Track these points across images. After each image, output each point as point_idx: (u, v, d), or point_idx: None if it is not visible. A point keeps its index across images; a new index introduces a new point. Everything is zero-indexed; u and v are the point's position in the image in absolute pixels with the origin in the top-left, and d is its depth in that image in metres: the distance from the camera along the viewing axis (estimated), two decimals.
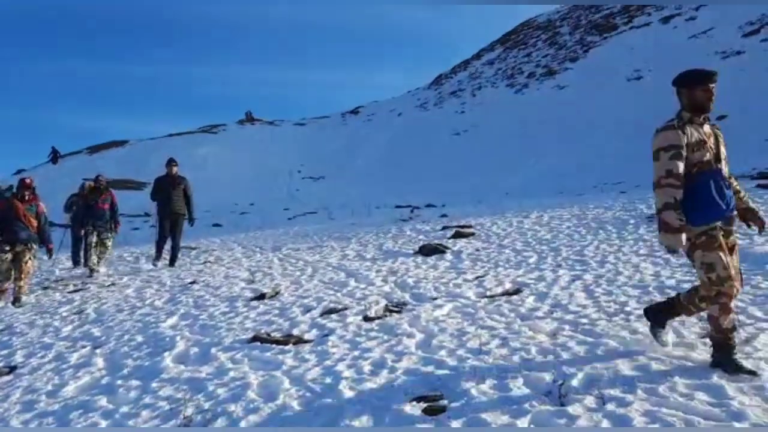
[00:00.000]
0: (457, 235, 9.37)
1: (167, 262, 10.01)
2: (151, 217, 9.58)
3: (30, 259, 7.97)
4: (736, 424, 2.89)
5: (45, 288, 8.69)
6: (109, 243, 10.08)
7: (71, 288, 8.58)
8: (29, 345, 5.63)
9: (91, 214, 9.83)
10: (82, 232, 9.89)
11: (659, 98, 30.96)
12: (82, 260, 10.34)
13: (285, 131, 47.24)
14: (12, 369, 4.95)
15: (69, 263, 10.89)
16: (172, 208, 9.79)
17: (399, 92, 57.60)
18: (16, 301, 7.72)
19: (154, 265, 9.97)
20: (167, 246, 9.98)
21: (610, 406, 3.20)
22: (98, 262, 9.76)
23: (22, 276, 7.87)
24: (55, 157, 39.19)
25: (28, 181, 8.20)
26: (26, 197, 8.05)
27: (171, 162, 10.05)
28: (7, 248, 7.78)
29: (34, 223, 8.01)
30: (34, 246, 8.05)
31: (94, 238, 9.74)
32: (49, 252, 8.49)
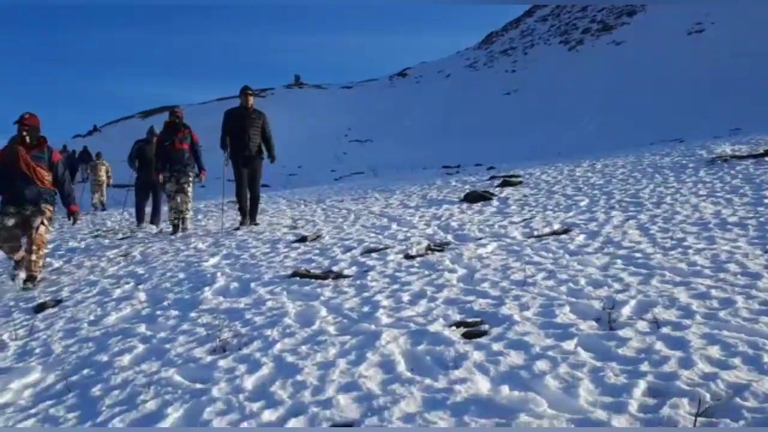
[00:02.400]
0: (505, 184, 9.08)
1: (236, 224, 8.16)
2: (224, 163, 8.04)
3: (42, 224, 5.87)
4: None
5: (95, 236, 8.86)
6: (190, 190, 8.30)
7: (120, 236, 8.73)
8: (76, 282, 5.73)
9: (166, 157, 8.18)
10: (160, 178, 8.22)
11: (721, 52, 29.32)
12: (149, 216, 9.58)
13: (332, 95, 47.11)
14: (58, 302, 5.03)
15: (121, 217, 11.06)
16: (250, 149, 7.80)
17: (447, 53, 56.40)
18: (28, 280, 5.74)
19: (243, 221, 7.97)
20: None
21: (665, 330, 2.98)
22: (181, 218, 8.22)
23: (33, 248, 5.78)
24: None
25: (27, 116, 5.83)
26: (28, 141, 5.83)
27: (246, 91, 7.86)
28: (12, 210, 5.77)
29: (47, 176, 5.89)
30: (48, 207, 5.94)
31: (174, 186, 8.17)
32: (72, 215, 6.21)
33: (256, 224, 8.02)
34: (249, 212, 8.01)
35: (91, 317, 4.45)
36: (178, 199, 8.20)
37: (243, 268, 5.45)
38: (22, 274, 5.74)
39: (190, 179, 8.33)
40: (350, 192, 11.62)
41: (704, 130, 18.48)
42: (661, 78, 29.15)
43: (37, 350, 3.83)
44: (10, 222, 5.74)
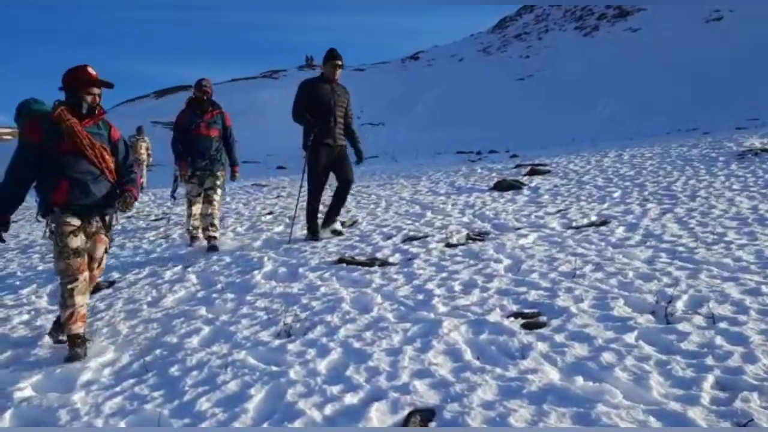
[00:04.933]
0: (533, 173, 9.16)
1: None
2: (305, 155, 5.97)
3: (106, 252, 3.92)
4: None
5: (128, 216, 9.01)
6: (218, 197, 6.23)
7: (153, 217, 8.87)
8: (123, 264, 5.88)
9: (189, 146, 6.15)
10: (182, 173, 6.29)
11: (739, 40, 29.04)
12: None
13: (344, 77, 46.61)
14: (111, 283, 5.19)
15: (157, 196, 11.22)
16: (335, 137, 5.85)
17: (460, 36, 56.01)
18: (74, 346, 3.49)
19: (315, 238, 5.97)
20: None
21: (723, 325, 3.09)
22: (206, 226, 6.10)
23: (94, 267, 3.83)
24: None
25: (91, 71, 3.59)
26: (87, 111, 3.59)
27: (334, 57, 5.82)
28: (75, 222, 3.59)
29: (110, 163, 3.73)
30: (115, 216, 3.94)
31: (196, 189, 6.25)
32: (126, 199, 3.77)
33: (338, 232, 6.16)
34: (330, 211, 6.20)
35: (149, 298, 4.61)
36: (202, 208, 6.19)
37: (287, 253, 5.57)
38: (61, 336, 3.70)
39: (219, 181, 6.22)
40: (374, 177, 11.72)
41: (722, 119, 18.42)
42: (678, 65, 28.97)
43: (104, 330, 3.98)
44: (75, 243, 3.56)
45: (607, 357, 2.85)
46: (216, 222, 6.12)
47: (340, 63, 5.89)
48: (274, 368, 3.08)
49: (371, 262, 5.04)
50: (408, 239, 5.76)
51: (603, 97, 28.43)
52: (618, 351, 2.90)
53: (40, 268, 6.02)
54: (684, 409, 2.34)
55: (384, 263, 4.98)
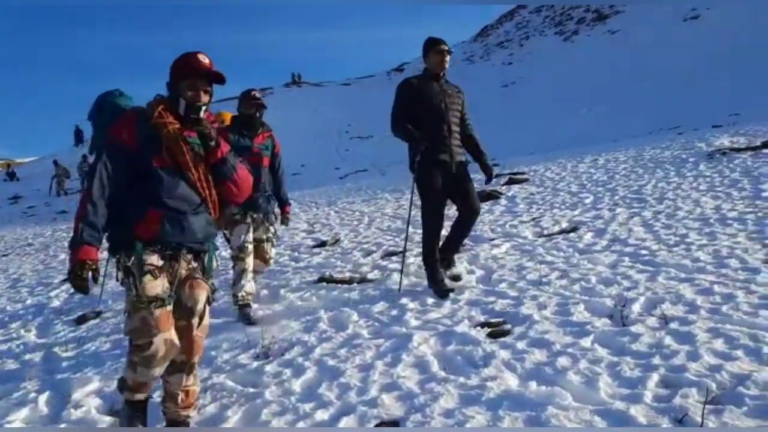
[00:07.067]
0: (511, 182, 9.38)
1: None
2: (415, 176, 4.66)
3: (209, 292, 2.86)
4: None
5: None
6: (273, 251, 5.00)
7: None
8: (109, 294, 6.01)
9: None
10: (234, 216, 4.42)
11: (717, 37, 29.46)
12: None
13: (331, 92, 47.28)
14: (98, 314, 5.33)
15: None
16: (452, 151, 4.49)
17: None
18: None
19: (445, 292, 4.34)
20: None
21: (673, 325, 3.27)
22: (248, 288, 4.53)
23: (194, 324, 2.80)
24: (79, 137, 33.43)
25: (203, 59, 2.68)
26: (203, 122, 2.70)
27: (437, 42, 4.48)
28: (157, 262, 2.66)
29: (214, 191, 2.80)
30: (215, 257, 2.96)
31: (238, 238, 4.48)
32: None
33: (458, 277, 4.69)
34: (448, 248, 4.75)
35: None
36: (253, 264, 4.60)
37: (270, 275, 5.73)
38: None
39: (273, 229, 4.82)
40: (360, 193, 11.91)
41: (704, 116, 18.67)
42: (658, 65, 29.35)
43: (91, 361, 4.12)
44: (156, 288, 2.62)
45: (562, 361, 3.03)
46: (254, 286, 4.66)
47: (446, 48, 4.47)
48: (251, 389, 3.25)
49: (351, 279, 5.22)
50: (387, 255, 5.95)
51: (586, 100, 28.75)
52: (573, 355, 3.08)
53: (29, 302, 6.15)
54: (627, 408, 2.51)
55: (363, 280, 5.16)
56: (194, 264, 2.81)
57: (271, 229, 4.80)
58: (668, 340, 3.11)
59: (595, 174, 8.80)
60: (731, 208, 5.69)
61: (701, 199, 6.23)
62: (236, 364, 3.64)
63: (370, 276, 5.25)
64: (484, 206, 7.87)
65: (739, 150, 8.32)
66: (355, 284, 5.04)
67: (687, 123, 18.17)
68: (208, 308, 2.84)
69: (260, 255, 4.73)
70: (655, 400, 2.57)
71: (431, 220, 4.62)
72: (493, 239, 5.94)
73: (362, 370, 3.28)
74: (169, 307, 2.64)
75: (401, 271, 4.85)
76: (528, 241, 5.68)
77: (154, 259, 2.64)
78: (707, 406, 2.41)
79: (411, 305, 4.25)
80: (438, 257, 4.59)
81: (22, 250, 10.57)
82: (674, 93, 25.66)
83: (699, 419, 2.35)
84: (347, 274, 5.40)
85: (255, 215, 4.58)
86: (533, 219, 6.62)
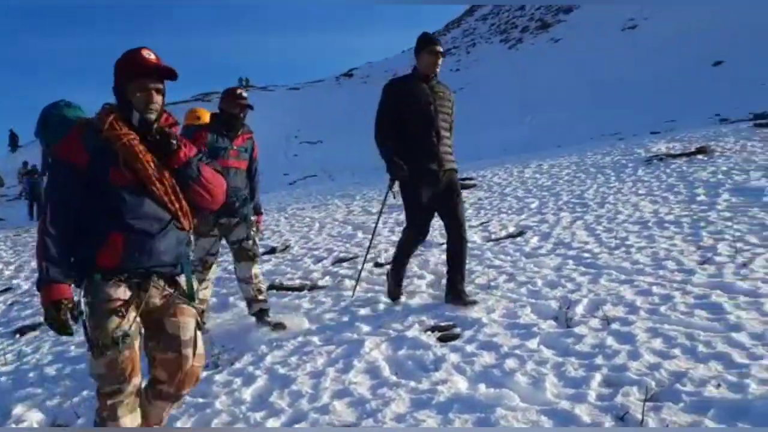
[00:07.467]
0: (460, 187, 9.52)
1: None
2: (390, 187, 4.45)
3: (198, 328, 2.54)
4: (734, 335, 3.08)
5: None
6: (258, 248, 4.59)
7: None
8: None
9: None
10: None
11: (655, 45, 30.62)
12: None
13: (279, 96, 46.88)
14: (38, 324, 5.13)
15: None
16: (441, 161, 4.19)
17: (392, 53, 56.83)
18: None
19: (393, 298, 4.41)
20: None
21: (615, 326, 3.40)
22: (254, 297, 4.31)
23: (189, 355, 2.45)
24: (14, 142, 31.80)
25: (147, 54, 2.36)
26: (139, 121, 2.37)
27: (430, 41, 4.21)
28: (120, 295, 2.30)
29: (185, 203, 2.47)
30: (194, 277, 2.72)
31: (216, 246, 4.34)
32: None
33: (473, 302, 4.10)
34: (453, 277, 4.22)
35: (76, 339, 4.60)
36: (240, 270, 4.35)
37: (217, 282, 5.64)
38: None
39: (254, 227, 4.48)
40: (310, 199, 11.86)
41: (643, 122, 19.38)
42: (598, 73, 30.34)
43: (31, 374, 3.98)
44: (115, 326, 2.28)
45: (510, 363, 3.10)
46: (263, 286, 4.42)
47: (439, 49, 4.17)
48: (201, 400, 3.20)
49: (301, 286, 5.21)
50: (338, 261, 5.95)
51: (531, 108, 29.45)
52: (521, 357, 3.16)
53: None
54: (572, 407, 2.60)
55: (314, 287, 5.15)
56: (169, 290, 2.46)
57: (252, 230, 4.41)
58: (610, 340, 3.23)
59: (540, 179, 9.04)
60: (668, 212, 5.94)
61: (640, 203, 6.48)
62: None
63: (321, 283, 5.25)
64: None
65: (675, 156, 8.70)
66: (305, 291, 5.03)
67: (626, 129, 18.85)
68: (200, 334, 2.52)
69: (244, 256, 4.32)
70: (598, 399, 2.67)
71: (413, 231, 4.37)
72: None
73: (314, 377, 3.29)
74: (137, 343, 2.32)
75: (357, 279, 4.85)
76: (477, 245, 5.78)
77: (120, 292, 2.29)
78: (647, 404, 2.52)
79: (362, 311, 4.27)
80: (403, 274, 4.50)
81: None
82: (614, 100, 26.55)
83: (639, 416, 2.45)
84: (298, 281, 5.38)
85: (224, 221, 4.23)
86: (481, 224, 6.75)
